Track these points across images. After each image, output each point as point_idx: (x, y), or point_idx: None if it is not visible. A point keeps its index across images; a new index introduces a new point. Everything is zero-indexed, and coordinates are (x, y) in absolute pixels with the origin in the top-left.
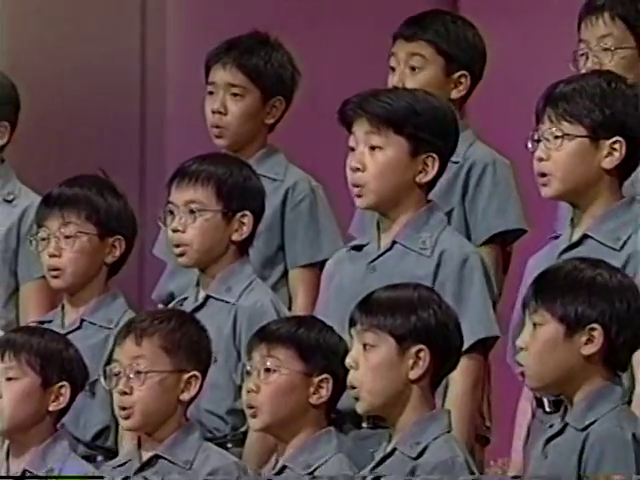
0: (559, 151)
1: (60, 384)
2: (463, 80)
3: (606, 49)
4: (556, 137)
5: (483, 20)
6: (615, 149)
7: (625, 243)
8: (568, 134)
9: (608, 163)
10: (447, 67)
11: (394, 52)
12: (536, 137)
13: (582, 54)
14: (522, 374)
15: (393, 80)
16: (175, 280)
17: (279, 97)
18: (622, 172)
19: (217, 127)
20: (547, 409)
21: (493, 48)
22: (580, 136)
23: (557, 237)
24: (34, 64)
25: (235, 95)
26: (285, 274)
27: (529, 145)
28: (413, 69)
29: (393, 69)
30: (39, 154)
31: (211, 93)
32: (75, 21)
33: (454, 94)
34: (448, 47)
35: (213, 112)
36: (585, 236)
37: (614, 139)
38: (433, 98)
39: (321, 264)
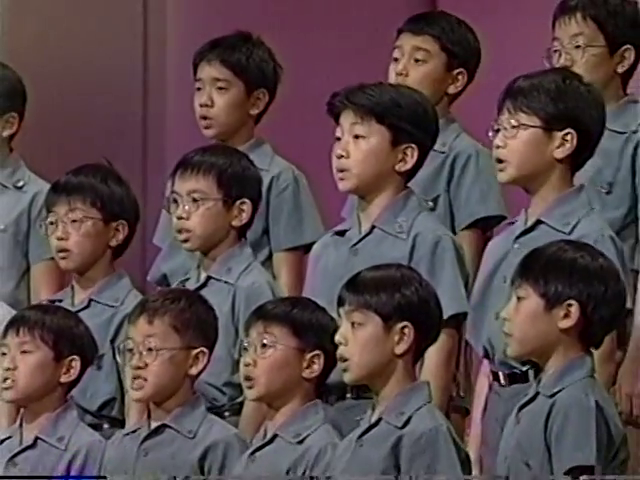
0: (515, 139)
1: (71, 358)
2: (460, 77)
3: (578, 47)
4: (513, 127)
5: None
6: (567, 140)
7: (574, 227)
8: (524, 124)
9: (560, 153)
10: (448, 63)
11: (399, 45)
12: (496, 127)
13: (555, 51)
14: (484, 352)
15: (397, 69)
16: (168, 263)
17: (262, 89)
18: (574, 162)
19: (205, 119)
20: (502, 382)
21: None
22: (534, 126)
23: (513, 223)
24: (40, 59)
25: (220, 89)
26: (270, 257)
27: (490, 134)
28: (417, 61)
29: (396, 60)
30: (46, 144)
31: (199, 89)
32: (78, 17)
33: (451, 89)
34: (452, 45)
35: (201, 105)
36: (538, 221)
37: (566, 131)
38: (415, 93)
39: (304, 248)
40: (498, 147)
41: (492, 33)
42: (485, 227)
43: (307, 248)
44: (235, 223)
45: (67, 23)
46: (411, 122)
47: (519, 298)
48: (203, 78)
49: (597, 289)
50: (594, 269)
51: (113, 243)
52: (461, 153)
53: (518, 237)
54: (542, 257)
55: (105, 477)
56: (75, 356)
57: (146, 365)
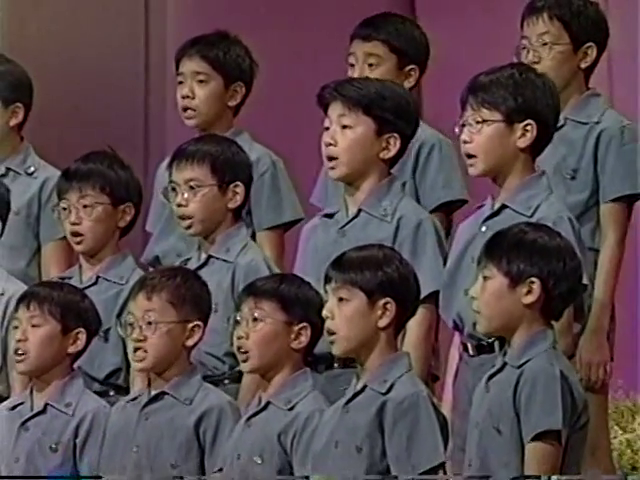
0: (480, 135)
1: (77, 330)
2: (412, 73)
3: (544, 44)
4: (477, 122)
5: (437, 19)
6: (527, 130)
7: (535, 210)
8: (487, 120)
9: (522, 143)
10: (399, 62)
11: (353, 51)
12: (461, 123)
13: (524, 48)
14: (454, 325)
15: (354, 75)
16: (159, 246)
17: (239, 83)
18: (534, 150)
19: (187, 109)
20: (471, 353)
21: (446, 44)
22: (497, 121)
23: (481, 207)
24: (48, 54)
25: (201, 82)
26: (253, 235)
27: (456, 130)
28: (370, 65)
29: (352, 65)
30: (55, 133)
31: (181, 83)
32: (83, 13)
33: (405, 84)
34: (400, 45)
35: (183, 97)
36: (503, 206)
37: (526, 122)
38: (398, 87)
39: (283, 226)
40: (465, 142)
41: (464, 32)
42: (449, 210)
43: (286, 226)
44: (230, 205)
45: (72, 19)
46: (394, 113)
47: (485, 278)
48: (184, 72)
49: (556, 266)
50: (552, 248)
51: (121, 224)
52: (425, 143)
53: (485, 221)
54: (504, 239)
55: (100, 477)
56: (81, 328)
57: (145, 338)
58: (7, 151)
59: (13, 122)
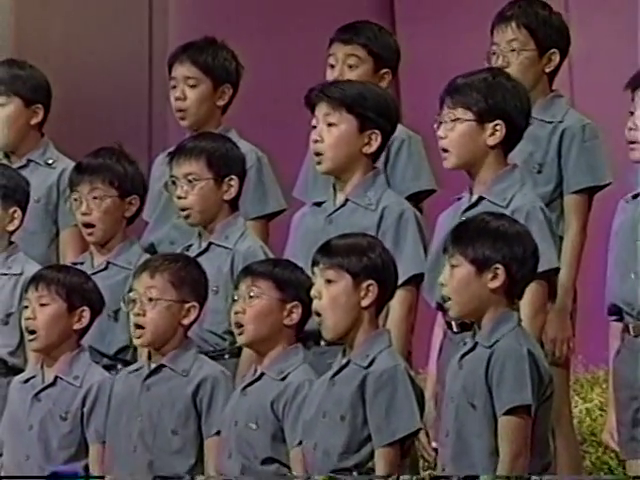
0: (454, 131)
1: (82, 309)
2: (386, 76)
3: (513, 50)
4: (452, 120)
5: (417, 25)
6: (497, 130)
7: (510, 201)
8: (460, 118)
9: (491, 141)
10: (375, 65)
11: (333, 53)
12: (439, 120)
13: (494, 54)
14: (438, 306)
15: (333, 75)
16: (154, 234)
17: (227, 85)
18: (505, 147)
19: (180, 111)
20: (455, 330)
21: (422, 48)
22: (469, 120)
23: (460, 198)
24: (63, 60)
25: (191, 85)
26: None
27: (435, 126)
28: (350, 66)
29: (332, 66)
30: (70, 130)
31: (174, 87)
32: (95, 22)
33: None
34: (377, 49)
35: (176, 99)
36: (480, 197)
37: (496, 122)
38: (378, 88)
39: (268, 217)
40: (441, 138)
41: (438, 38)
42: (417, 200)
43: (270, 217)
44: (226, 197)
45: (84, 28)
46: (375, 111)
47: (453, 266)
48: (177, 77)
49: (517, 251)
50: (513, 234)
51: (127, 214)
52: (396, 138)
53: (464, 211)
54: (468, 229)
55: (103, 477)
56: (85, 307)
57: (145, 313)
58: (29, 146)
59: (34, 121)
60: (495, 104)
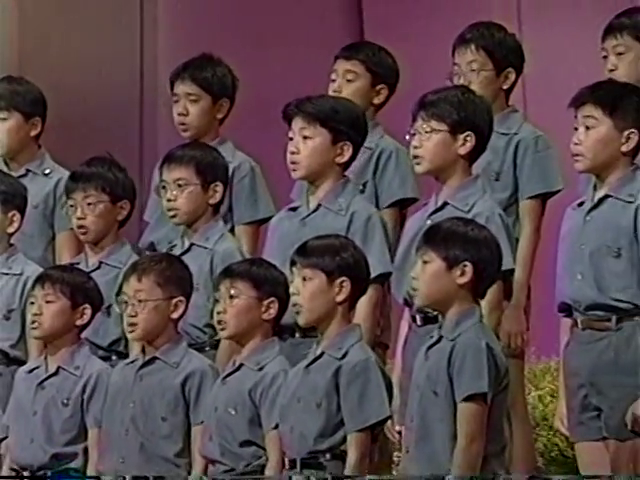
0: (428, 141)
1: (84, 306)
2: (383, 91)
3: (473, 70)
4: (427, 131)
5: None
6: (467, 140)
7: (472, 207)
8: (434, 129)
9: (462, 150)
10: (373, 81)
11: (335, 68)
12: (412, 131)
13: (456, 73)
14: (405, 301)
15: (333, 87)
16: (154, 234)
17: (224, 99)
18: (472, 157)
19: (182, 124)
20: (419, 323)
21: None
22: (443, 131)
23: (427, 203)
24: (58, 76)
25: (192, 101)
26: (233, 229)
27: (407, 137)
28: (349, 81)
29: (334, 80)
30: (65, 141)
31: (176, 101)
32: (88, 40)
33: (375, 100)
34: (374, 67)
35: (178, 114)
36: (445, 203)
37: (466, 133)
38: (350, 103)
39: (259, 222)
40: (415, 147)
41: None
42: (402, 206)
43: (261, 222)
44: (211, 201)
45: (79, 47)
46: (347, 125)
47: (425, 262)
48: (179, 93)
49: (484, 253)
50: (481, 238)
51: (119, 218)
52: (385, 150)
53: (430, 215)
54: (441, 230)
55: (99, 477)
56: (87, 305)
57: (137, 314)
58: (28, 157)
59: (33, 133)
60: (467, 117)
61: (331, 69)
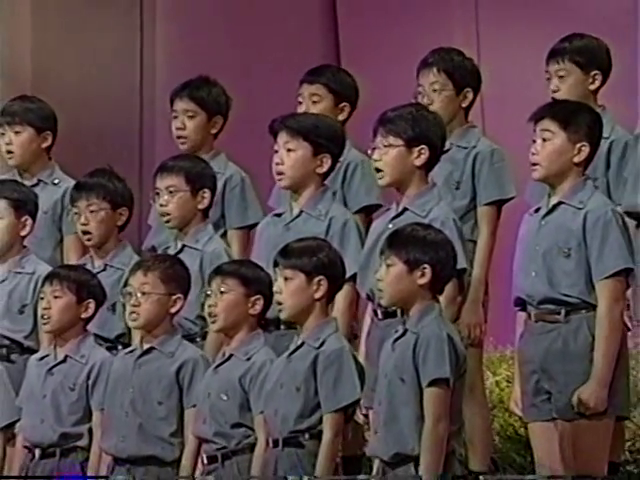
0: (387, 155)
1: (88, 301)
2: (346, 108)
3: (435, 90)
4: (385, 146)
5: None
6: (422, 153)
7: (429, 213)
8: (392, 144)
9: (417, 162)
10: (335, 100)
11: (301, 92)
12: (373, 146)
13: (420, 93)
14: (368, 297)
15: (301, 109)
16: (155, 238)
17: (218, 116)
18: (428, 167)
19: (180, 137)
20: (380, 317)
21: (372, 87)
22: (399, 145)
23: (389, 209)
24: (66, 93)
25: (189, 117)
26: (224, 233)
27: (369, 152)
28: (314, 102)
29: (300, 103)
30: (72, 153)
31: (175, 117)
32: (93, 59)
33: (340, 117)
34: (335, 87)
35: (177, 128)
36: (405, 209)
37: (420, 147)
38: (329, 119)
39: (248, 227)
40: (376, 160)
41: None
42: (368, 212)
43: (251, 227)
44: (200, 206)
45: (84, 68)
46: (326, 139)
47: (388, 265)
48: (177, 110)
49: (441, 255)
50: (438, 241)
51: (119, 223)
52: (351, 162)
53: (392, 219)
54: (402, 235)
55: (107, 477)
56: (91, 300)
57: (140, 304)
58: (39, 168)
59: (44, 145)
60: (420, 132)
61: (297, 93)
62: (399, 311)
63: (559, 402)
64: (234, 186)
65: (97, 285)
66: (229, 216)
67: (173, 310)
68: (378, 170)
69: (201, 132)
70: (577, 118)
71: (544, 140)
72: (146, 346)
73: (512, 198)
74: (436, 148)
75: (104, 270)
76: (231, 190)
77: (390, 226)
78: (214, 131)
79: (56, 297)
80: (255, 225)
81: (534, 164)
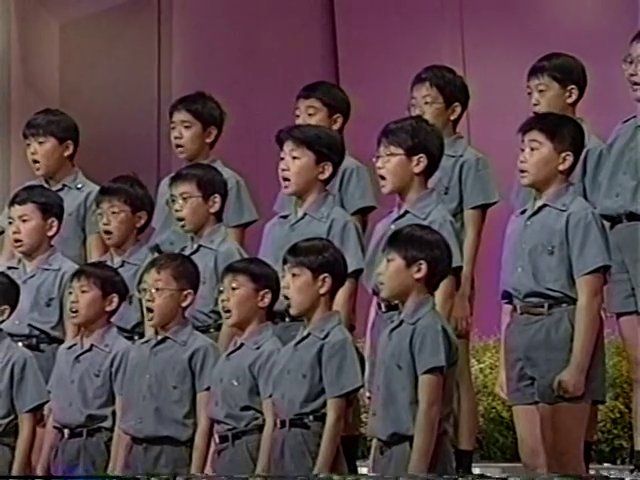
0: (389, 163)
1: (112, 295)
2: (339, 120)
3: (426, 103)
4: (387, 155)
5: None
6: (421, 161)
7: (428, 215)
8: (393, 153)
9: (417, 169)
10: (329, 112)
11: (298, 106)
12: (377, 155)
13: (413, 105)
14: (373, 291)
15: (298, 121)
16: (159, 237)
17: (213, 126)
18: (426, 174)
19: (178, 146)
20: (383, 310)
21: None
22: (400, 154)
23: (391, 212)
24: (90, 108)
25: (186, 127)
26: None
27: (374, 160)
28: (310, 115)
29: (297, 116)
30: (95, 161)
31: (173, 128)
32: (114, 77)
33: (334, 127)
34: (329, 101)
35: (175, 138)
36: (406, 212)
37: (419, 155)
38: (330, 130)
39: (244, 225)
40: (379, 168)
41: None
42: (363, 213)
43: (245, 225)
44: (212, 210)
45: (108, 82)
46: (328, 148)
47: (388, 260)
48: (175, 121)
49: (436, 253)
50: (434, 241)
51: (138, 225)
52: (348, 168)
53: (394, 221)
54: (402, 234)
55: (119, 477)
56: (115, 294)
57: (154, 299)
58: (63, 174)
59: (66, 154)
60: (419, 142)
61: (294, 107)
62: (401, 305)
63: (541, 387)
64: (230, 188)
65: (120, 281)
66: (226, 216)
67: (184, 304)
68: (382, 178)
69: (197, 141)
70: (562, 130)
71: (532, 149)
72: (161, 336)
73: (495, 202)
74: (434, 156)
75: (122, 266)
76: (227, 193)
77: (392, 227)
78: (209, 140)
79: (83, 292)
80: (250, 223)
81: (522, 171)
